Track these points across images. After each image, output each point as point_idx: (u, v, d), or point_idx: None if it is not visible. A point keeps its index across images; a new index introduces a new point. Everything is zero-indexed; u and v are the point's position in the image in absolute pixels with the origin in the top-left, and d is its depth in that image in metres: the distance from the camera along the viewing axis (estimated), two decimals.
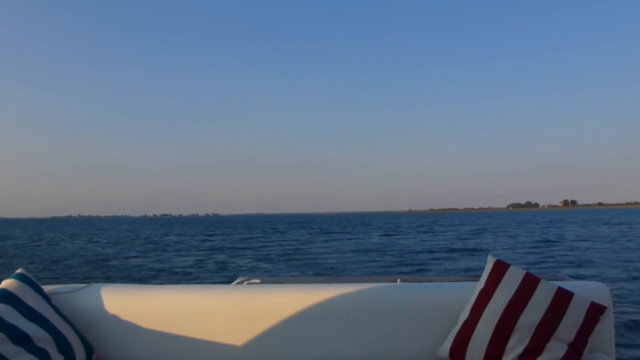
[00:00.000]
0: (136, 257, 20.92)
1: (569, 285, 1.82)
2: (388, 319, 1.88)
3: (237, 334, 1.90)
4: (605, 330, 1.80)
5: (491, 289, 1.79)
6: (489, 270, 1.85)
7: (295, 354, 1.87)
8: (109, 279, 13.30)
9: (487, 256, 1.94)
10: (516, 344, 1.67)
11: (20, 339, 1.60)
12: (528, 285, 1.76)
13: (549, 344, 1.65)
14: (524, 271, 1.82)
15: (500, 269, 1.83)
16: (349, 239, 31.37)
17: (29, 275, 1.84)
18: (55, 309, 1.81)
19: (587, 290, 1.80)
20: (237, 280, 2.17)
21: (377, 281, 2.05)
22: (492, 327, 1.71)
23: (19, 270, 1.85)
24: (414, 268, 15.18)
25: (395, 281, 2.08)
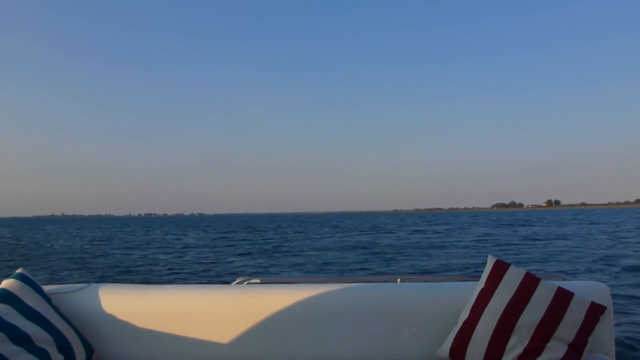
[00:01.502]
0: (122, 254, 20.79)
1: (569, 285, 1.84)
2: (388, 319, 1.88)
3: (237, 334, 1.89)
4: (605, 330, 1.82)
5: (491, 289, 1.80)
6: (489, 270, 1.86)
7: (295, 354, 1.87)
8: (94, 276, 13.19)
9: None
10: (516, 344, 1.68)
11: (20, 339, 1.58)
12: (528, 285, 1.77)
13: (549, 344, 1.66)
14: (524, 271, 1.83)
15: (500, 269, 1.84)
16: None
17: (29, 275, 1.82)
18: (55, 309, 1.80)
19: (587, 290, 1.82)
20: (237, 280, 2.17)
21: (377, 281, 2.06)
22: (492, 327, 1.72)
23: (19, 270, 1.83)
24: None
25: (395, 281, 2.09)
